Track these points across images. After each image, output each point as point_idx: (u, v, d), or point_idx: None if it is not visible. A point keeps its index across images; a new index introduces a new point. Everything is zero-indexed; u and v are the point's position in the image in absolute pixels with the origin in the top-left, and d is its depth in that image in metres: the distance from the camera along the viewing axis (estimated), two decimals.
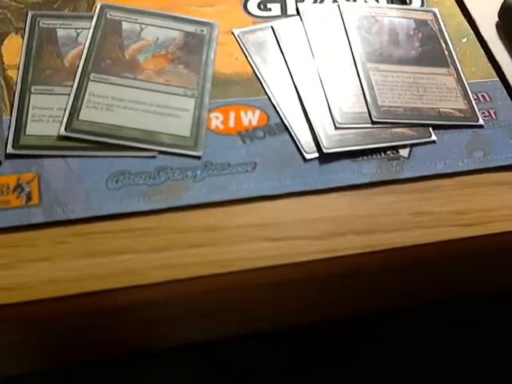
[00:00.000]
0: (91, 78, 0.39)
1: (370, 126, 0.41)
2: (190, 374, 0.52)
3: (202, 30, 0.43)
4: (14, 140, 0.36)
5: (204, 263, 0.35)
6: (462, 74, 0.45)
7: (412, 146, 0.41)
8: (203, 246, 0.35)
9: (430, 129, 0.41)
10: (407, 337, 0.51)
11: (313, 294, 0.38)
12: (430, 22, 0.48)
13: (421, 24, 0.47)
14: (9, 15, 0.42)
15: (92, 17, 0.42)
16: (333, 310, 0.40)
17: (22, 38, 0.40)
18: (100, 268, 0.33)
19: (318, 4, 0.47)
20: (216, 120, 0.39)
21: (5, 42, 0.40)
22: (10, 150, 0.36)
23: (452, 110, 0.43)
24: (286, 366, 0.50)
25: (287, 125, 0.40)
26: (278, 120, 0.40)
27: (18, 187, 0.35)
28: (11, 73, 0.39)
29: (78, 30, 0.41)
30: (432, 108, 0.42)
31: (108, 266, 0.34)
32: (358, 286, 0.38)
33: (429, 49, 0.46)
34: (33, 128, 0.37)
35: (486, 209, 0.39)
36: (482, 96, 0.44)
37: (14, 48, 0.40)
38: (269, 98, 0.41)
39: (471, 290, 0.42)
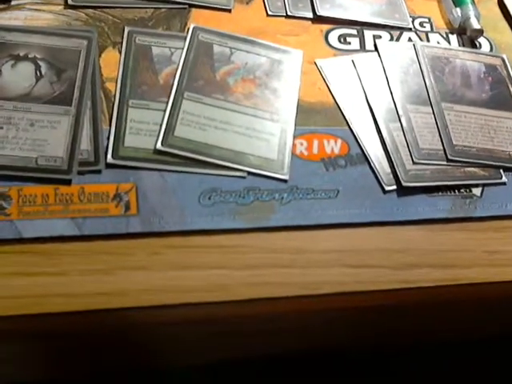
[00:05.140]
0: (185, 96, 0.41)
1: (445, 163, 0.42)
2: None
3: (286, 58, 0.45)
4: (113, 150, 0.37)
5: (288, 284, 0.36)
6: None
7: (484, 185, 0.42)
8: (288, 267, 0.36)
9: (501, 170, 0.43)
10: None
11: (386, 321, 0.39)
12: (498, 67, 0.49)
13: (490, 68, 0.49)
14: (106, 29, 0.43)
15: (185, 37, 0.43)
16: (401, 338, 0.41)
17: (119, 52, 0.42)
18: (192, 281, 0.35)
19: (394, 42, 0.49)
20: (300, 146, 0.41)
21: (102, 55, 0.42)
22: (109, 159, 0.37)
23: None
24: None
25: (367, 155, 0.41)
26: (359, 150, 0.42)
27: (117, 196, 0.36)
28: (109, 85, 0.40)
29: (172, 49, 0.43)
30: (503, 151, 0.44)
31: (199, 280, 0.35)
32: (429, 317, 0.40)
33: (498, 93, 0.48)
34: (130, 140, 0.38)
35: None
36: None
37: (112, 61, 0.42)
38: (350, 128, 0.43)
39: None
